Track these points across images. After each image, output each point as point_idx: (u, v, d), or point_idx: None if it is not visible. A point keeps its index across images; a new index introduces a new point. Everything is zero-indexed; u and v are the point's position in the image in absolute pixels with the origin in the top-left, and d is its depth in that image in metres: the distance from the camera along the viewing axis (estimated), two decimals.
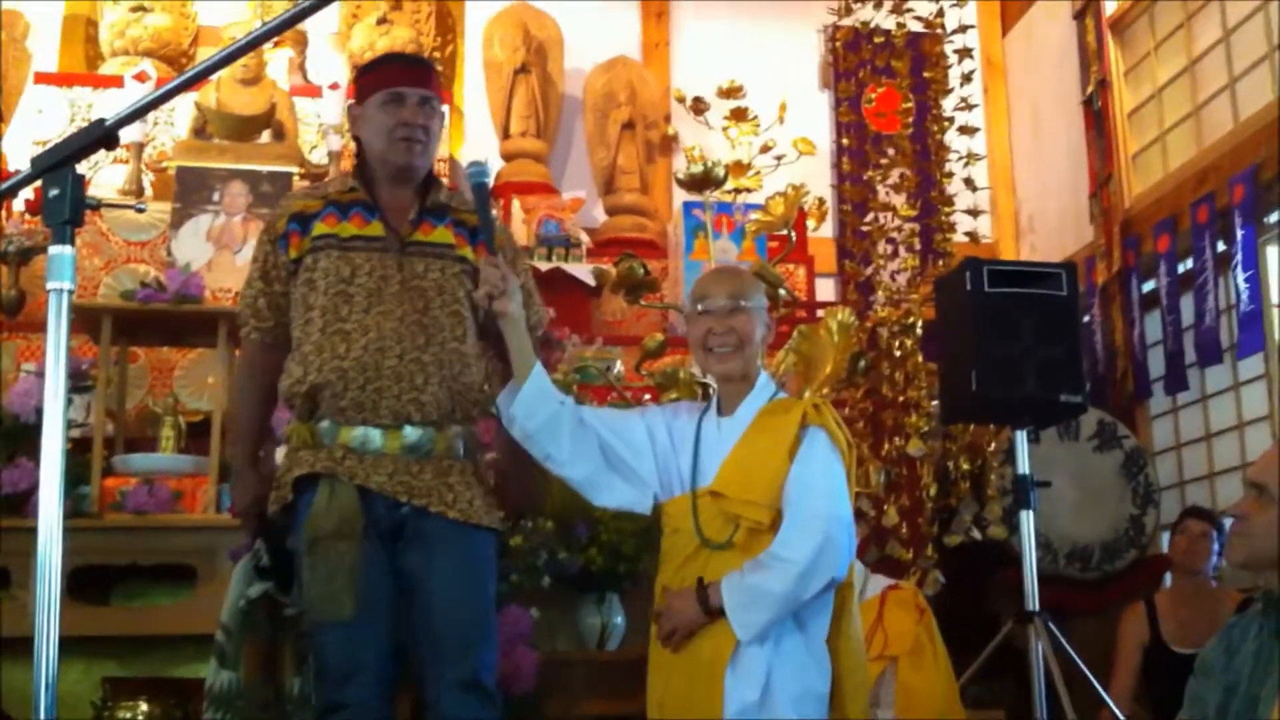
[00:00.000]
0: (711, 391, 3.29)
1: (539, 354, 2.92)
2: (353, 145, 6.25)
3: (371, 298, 2.90)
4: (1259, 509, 2.49)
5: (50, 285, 1.86)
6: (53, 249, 1.87)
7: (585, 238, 6.44)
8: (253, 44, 2.05)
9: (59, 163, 1.88)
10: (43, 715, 1.76)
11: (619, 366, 5.34)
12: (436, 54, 7.26)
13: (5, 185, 2.05)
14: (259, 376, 3.08)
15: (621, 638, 4.43)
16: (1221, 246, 5.54)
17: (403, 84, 2.99)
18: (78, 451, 4.27)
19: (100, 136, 1.90)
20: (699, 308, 2.86)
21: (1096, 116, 6.65)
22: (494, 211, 3.09)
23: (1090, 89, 6.68)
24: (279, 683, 3.03)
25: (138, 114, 2.01)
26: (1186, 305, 5.80)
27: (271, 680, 3.03)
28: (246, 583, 2.99)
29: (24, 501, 4.20)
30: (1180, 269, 5.91)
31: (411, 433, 2.88)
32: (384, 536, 2.85)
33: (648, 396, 4.68)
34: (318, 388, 2.87)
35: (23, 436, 4.37)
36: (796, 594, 2.63)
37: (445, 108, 3.14)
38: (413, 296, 2.92)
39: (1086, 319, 6.29)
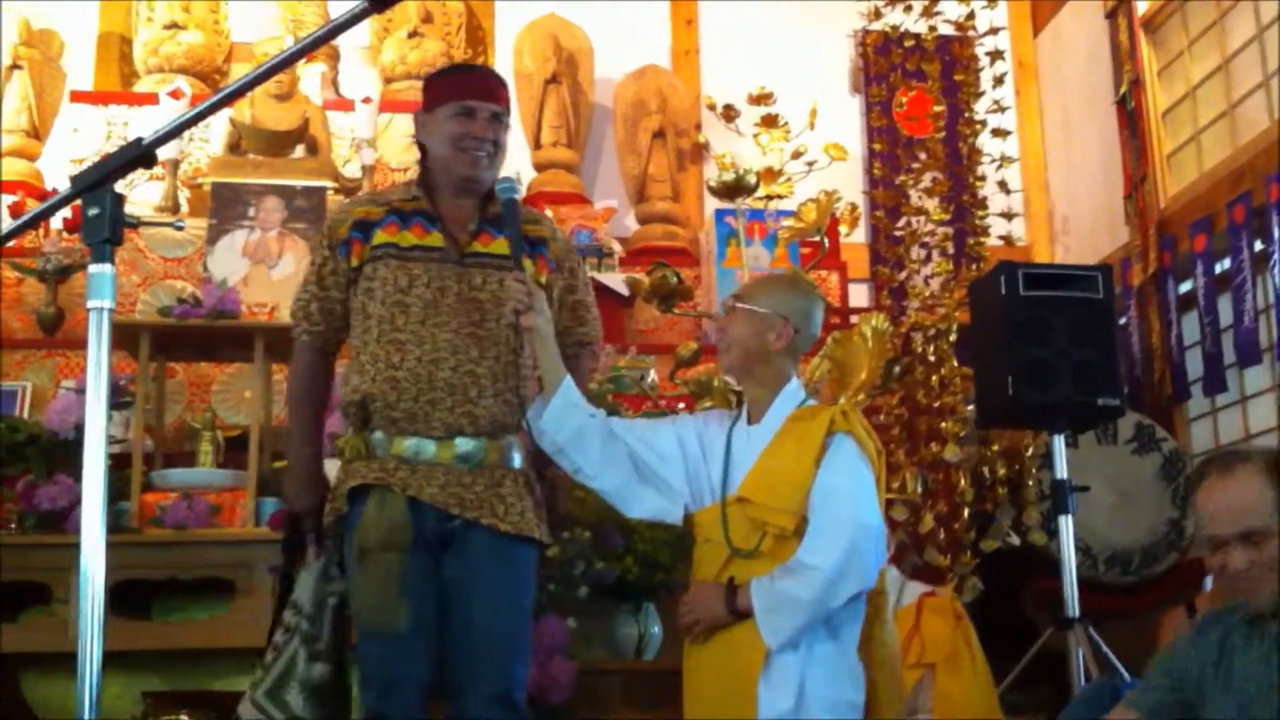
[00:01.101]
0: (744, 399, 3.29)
1: (582, 367, 2.93)
2: (387, 159, 6.31)
3: (428, 308, 2.90)
4: (1259, 552, 2.42)
5: (90, 304, 1.87)
6: (93, 267, 1.89)
7: (617, 247, 6.45)
8: (287, 61, 2.06)
9: (98, 182, 1.90)
10: None
11: (653, 375, 5.34)
12: None
13: (46, 205, 2.08)
14: (311, 378, 3.08)
15: (658, 647, 4.43)
16: (1259, 245, 5.49)
17: (475, 97, 2.99)
18: (117, 467, 4.30)
19: (138, 155, 1.92)
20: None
21: (1130, 116, 6.61)
22: (544, 224, 3.11)
23: (1123, 89, 6.64)
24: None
25: (175, 133, 2.03)
26: (1224, 306, 5.75)
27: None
28: (326, 580, 2.98)
29: (63, 518, 4.24)
30: (1217, 269, 5.86)
31: (464, 443, 2.88)
32: (432, 547, 2.86)
33: (682, 405, 4.68)
34: (371, 397, 2.88)
35: (61, 453, 4.41)
36: (823, 601, 2.62)
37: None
38: (469, 308, 2.91)
39: (1123, 321, 6.24)
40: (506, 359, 2.92)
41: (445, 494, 2.84)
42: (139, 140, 1.91)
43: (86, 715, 1.76)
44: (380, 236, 2.96)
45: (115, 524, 4.19)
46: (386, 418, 2.88)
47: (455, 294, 2.92)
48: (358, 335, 2.97)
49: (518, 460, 2.96)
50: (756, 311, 2.83)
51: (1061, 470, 4.58)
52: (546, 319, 2.84)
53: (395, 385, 2.86)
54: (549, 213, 6.44)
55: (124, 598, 4.13)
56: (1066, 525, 4.54)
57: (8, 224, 5.83)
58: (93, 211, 1.88)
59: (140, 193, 6.03)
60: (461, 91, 3.01)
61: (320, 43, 2.07)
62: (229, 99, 2.08)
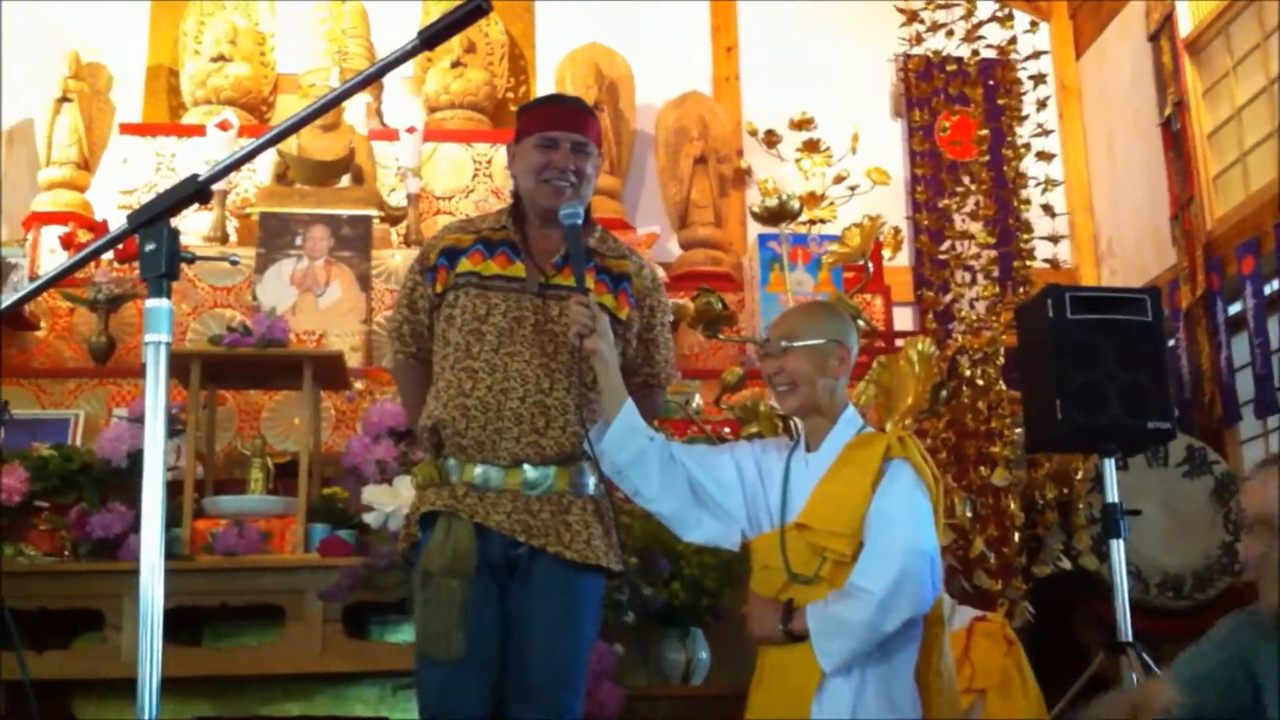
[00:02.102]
0: (793, 426, 3.29)
1: (645, 407, 2.94)
2: (431, 187, 6.35)
3: (503, 337, 2.91)
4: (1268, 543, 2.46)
5: (148, 338, 1.89)
6: (150, 302, 1.91)
7: (661, 272, 6.45)
8: (340, 97, 2.10)
9: (155, 217, 1.92)
10: None
11: (698, 400, 5.34)
12: (510, 94, 7.34)
13: (104, 240, 2.11)
14: (416, 382, 3.10)
15: (706, 673, 4.42)
16: None
17: (557, 128, 3.00)
18: (169, 494, 4.34)
19: (195, 192, 1.94)
20: (762, 350, 2.92)
21: (1175, 138, 6.57)
22: (630, 259, 3.10)
23: (1168, 111, 6.60)
24: None
25: (229, 169, 2.06)
26: (1274, 327, 5.70)
27: None
28: None
29: (116, 545, 4.28)
30: (1266, 290, 5.81)
31: (531, 471, 2.89)
32: (499, 574, 2.86)
33: (727, 430, 4.68)
34: (442, 424, 2.90)
35: (114, 481, 4.46)
36: (876, 625, 2.62)
37: (599, 153, 3.12)
38: (544, 339, 2.92)
39: (1171, 343, 6.19)
40: (578, 391, 2.90)
41: (511, 521, 2.85)
42: (194, 177, 1.94)
43: None
44: (464, 265, 2.98)
45: (167, 550, 4.21)
46: (456, 445, 2.90)
47: (531, 324, 2.92)
48: (437, 361, 2.99)
49: (590, 487, 2.95)
50: (814, 345, 2.84)
51: (1112, 494, 4.54)
52: (609, 343, 2.84)
53: (465, 413, 2.87)
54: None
55: (176, 624, 4.16)
56: (1118, 549, 4.50)
57: (60, 255, 5.96)
58: (149, 247, 1.91)
59: (189, 223, 6.10)
60: (545, 123, 3.02)
61: (371, 80, 2.10)
62: (282, 136, 2.10)
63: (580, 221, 2.94)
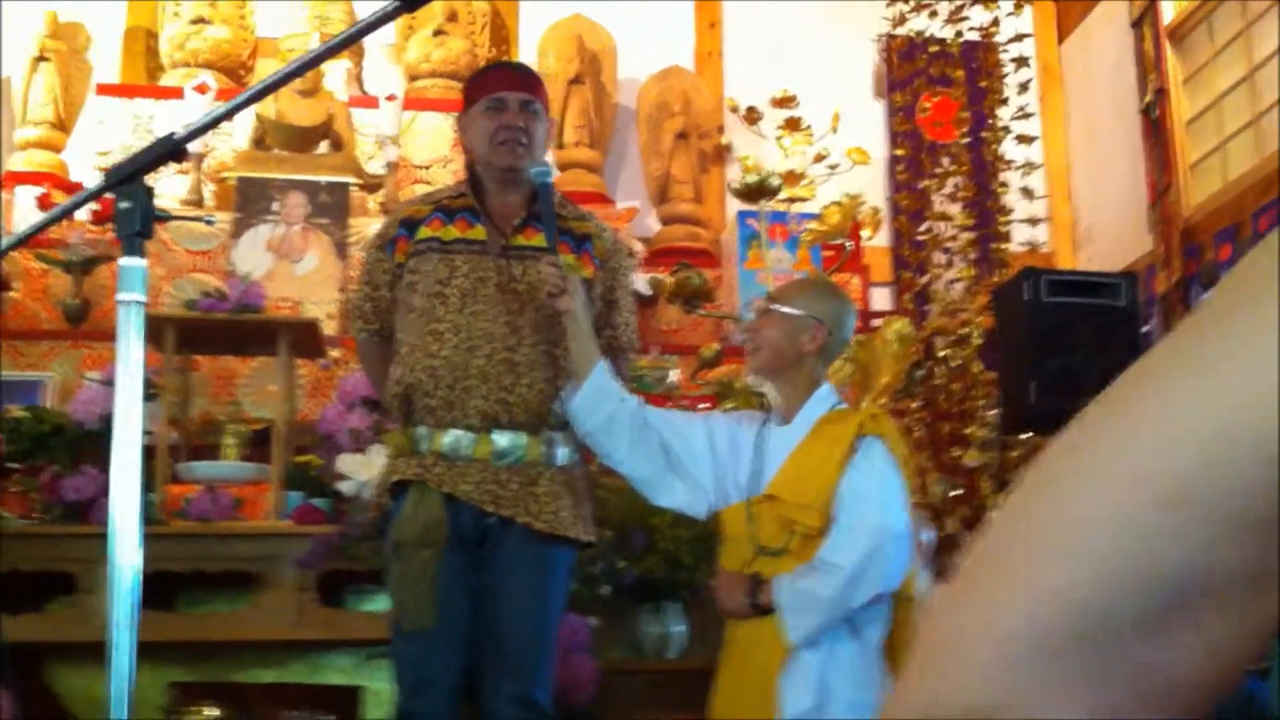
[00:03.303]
0: (768, 401, 3.30)
1: (610, 365, 2.94)
2: (410, 156, 6.33)
3: (466, 297, 2.92)
4: None
5: (122, 296, 1.88)
6: (124, 261, 1.89)
7: (640, 247, 6.45)
8: (318, 59, 2.07)
9: (130, 175, 1.91)
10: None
11: (675, 375, 5.35)
12: None
13: (78, 198, 2.09)
14: (383, 362, 3.10)
15: (681, 647, 4.43)
16: None
17: (503, 88, 3.02)
18: (142, 459, 4.32)
19: (170, 150, 1.93)
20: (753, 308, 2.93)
21: (1155, 125, 6.59)
22: (590, 221, 3.13)
23: (1148, 98, 6.62)
24: None
25: (207, 128, 2.04)
26: None
27: None
28: None
29: (89, 509, 4.26)
30: None
31: (500, 438, 2.89)
32: (469, 545, 2.87)
33: (704, 406, 4.68)
34: (411, 388, 2.91)
35: (87, 444, 4.43)
36: (844, 600, 2.63)
37: (547, 115, 3.15)
38: (508, 298, 2.93)
39: (1146, 329, 6.22)
40: (544, 349, 2.91)
41: (480, 491, 2.85)
42: (171, 135, 1.92)
43: (123, 709, 1.77)
44: (423, 232, 3.00)
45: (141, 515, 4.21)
46: (426, 408, 2.90)
47: (495, 283, 2.93)
48: (402, 328, 3.00)
49: (560, 457, 2.95)
50: (790, 314, 2.84)
51: None
52: (582, 302, 2.84)
53: (433, 373, 2.88)
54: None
55: (149, 590, 4.13)
56: None
57: (34, 216, 5.90)
58: (124, 205, 1.89)
59: (165, 186, 6.04)
60: (490, 85, 3.05)
61: (351, 41, 2.09)
62: (259, 96, 2.08)
63: (550, 180, 2.95)
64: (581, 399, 2.82)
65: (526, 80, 3.08)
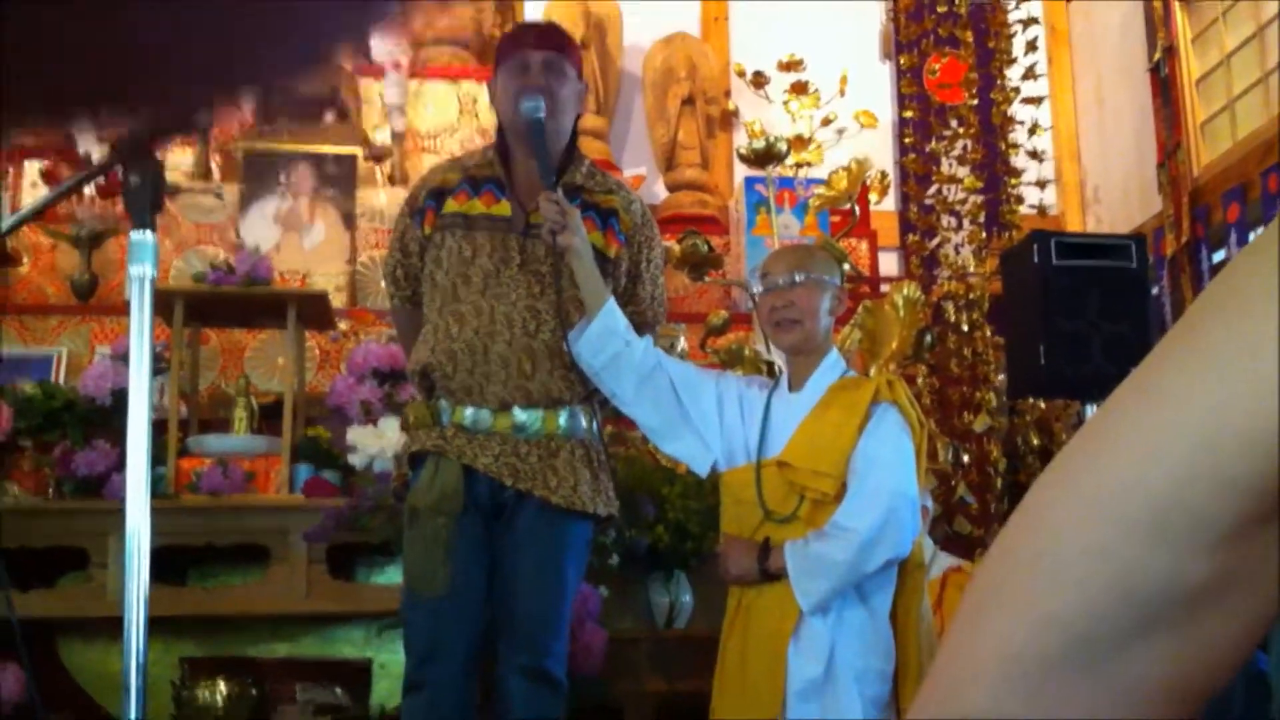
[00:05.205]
0: (778, 369, 3.30)
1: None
2: (417, 125, 6.31)
3: (489, 279, 2.88)
4: None
5: (132, 270, 1.88)
6: (134, 235, 1.90)
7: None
8: None
9: (139, 149, 1.91)
10: (133, 696, 1.78)
11: (683, 343, 5.34)
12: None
13: (88, 173, 2.09)
14: (415, 330, 3.08)
15: (689, 616, 4.45)
16: None
17: (528, 48, 2.95)
18: (152, 433, 4.32)
19: (180, 123, 1.92)
20: (763, 286, 2.88)
21: (1163, 84, 6.54)
22: (618, 195, 3.07)
23: (1157, 56, 6.57)
24: None
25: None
26: None
27: None
28: None
29: (100, 484, 4.27)
30: (1251, 238, 5.81)
31: (520, 413, 2.87)
32: (486, 516, 2.87)
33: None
34: (430, 368, 2.90)
35: (98, 419, 4.44)
36: (858, 565, 2.63)
37: (580, 77, 3.06)
38: (530, 280, 2.89)
39: (1155, 291, 6.20)
40: (564, 332, 2.87)
41: (499, 464, 2.84)
42: None
43: (134, 682, 1.78)
44: (450, 205, 2.95)
45: (152, 489, 4.21)
46: (445, 388, 2.89)
47: (518, 264, 2.90)
48: (426, 304, 2.99)
49: (580, 430, 2.93)
50: (825, 281, 2.83)
51: None
52: (584, 238, 2.80)
53: (452, 357, 2.87)
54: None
55: (161, 564, 4.15)
56: None
57: (41, 190, 5.90)
58: (134, 179, 1.89)
59: (172, 160, 6.02)
60: (515, 46, 2.99)
61: None
62: None
63: (542, 115, 2.85)
64: (587, 338, 2.80)
65: (551, 38, 3.01)
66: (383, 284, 3.15)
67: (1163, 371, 0.52)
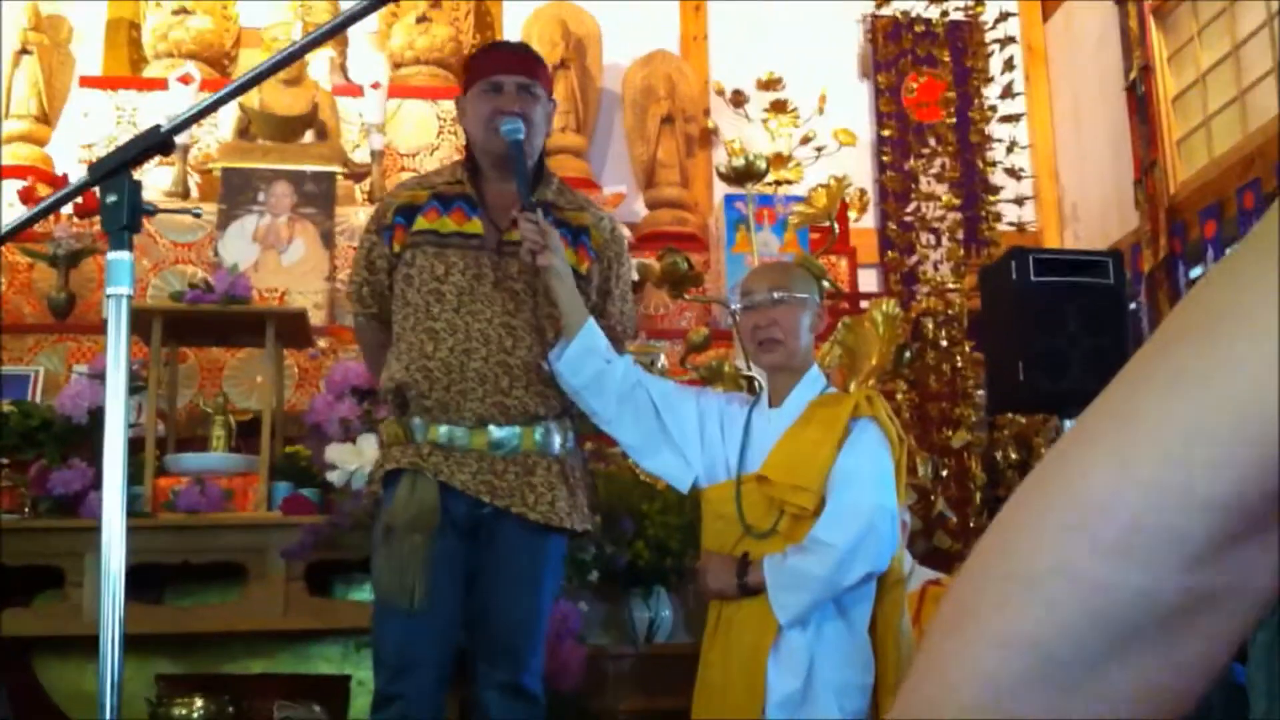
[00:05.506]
0: (758, 386, 3.30)
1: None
2: (396, 144, 6.31)
3: (463, 296, 2.88)
4: None
5: (109, 290, 1.88)
6: (111, 254, 1.90)
7: (626, 232, 6.42)
8: (306, 47, 2.08)
9: (117, 168, 1.90)
10: (109, 714, 1.77)
11: (663, 360, 5.35)
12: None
13: (64, 191, 2.08)
14: (380, 348, 3.08)
15: (669, 632, 4.45)
16: None
17: (501, 72, 2.95)
18: (130, 452, 4.30)
19: (157, 142, 1.92)
20: (744, 304, 2.89)
21: (1140, 102, 6.59)
22: (588, 211, 3.08)
23: (1133, 75, 6.62)
24: None
25: (192, 120, 2.03)
26: None
27: None
28: None
29: (77, 502, 4.25)
30: (1228, 254, 5.84)
31: (496, 430, 2.87)
32: (463, 534, 2.86)
33: None
34: (405, 385, 2.89)
35: (75, 438, 4.42)
36: (836, 579, 2.64)
37: (550, 97, 3.08)
38: (504, 297, 2.89)
39: (1133, 306, 6.24)
40: (540, 349, 2.88)
41: (476, 481, 2.84)
42: (157, 127, 1.92)
43: (109, 701, 1.77)
44: (420, 223, 2.95)
45: (129, 508, 4.18)
46: (420, 406, 2.88)
47: (491, 282, 2.90)
48: (398, 321, 2.97)
49: (556, 446, 2.93)
50: (805, 300, 2.85)
51: None
52: (564, 258, 2.81)
53: (428, 375, 2.86)
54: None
55: (137, 582, 4.14)
56: None
57: (18, 209, 5.88)
58: (111, 199, 1.89)
59: (150, 178, 6.01)
60: (488, 68, 2.99)
61: (337, 30, 2.07)
62: (245, 88, 2.08)
63: (521, 137, 2.87)
64: (568, 358, 2.81)
65: (525, 62, 3.02)
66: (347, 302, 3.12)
67: (1134, 390, 0.51)
